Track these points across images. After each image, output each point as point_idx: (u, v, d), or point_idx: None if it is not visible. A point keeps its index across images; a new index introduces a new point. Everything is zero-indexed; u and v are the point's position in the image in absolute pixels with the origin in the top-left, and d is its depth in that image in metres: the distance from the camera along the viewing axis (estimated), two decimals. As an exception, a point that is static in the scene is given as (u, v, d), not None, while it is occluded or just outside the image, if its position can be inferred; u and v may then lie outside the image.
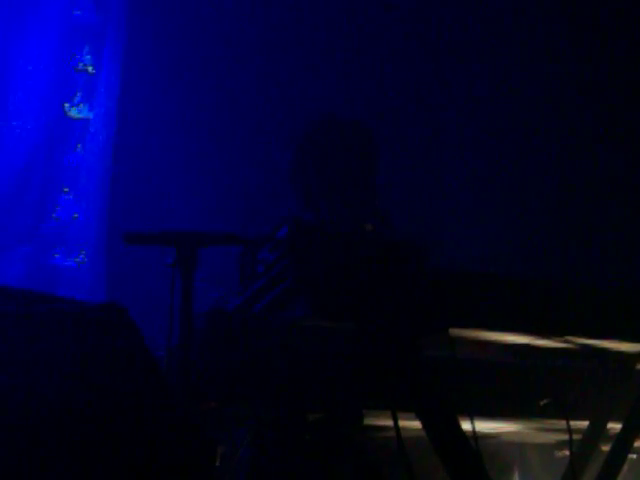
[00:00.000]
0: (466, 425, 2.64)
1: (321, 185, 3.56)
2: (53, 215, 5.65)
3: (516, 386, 2.83)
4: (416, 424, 2.61)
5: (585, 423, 2.97)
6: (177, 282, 2.74)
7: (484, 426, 2.78)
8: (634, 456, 3.00)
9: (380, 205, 3.63)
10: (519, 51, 5.38)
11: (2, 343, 2.20)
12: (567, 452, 2.94)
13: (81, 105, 5.78)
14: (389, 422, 2.57)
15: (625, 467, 2.95)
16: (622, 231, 4.91)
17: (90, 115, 5.78)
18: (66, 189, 5.71)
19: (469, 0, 5.50)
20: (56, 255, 5.63)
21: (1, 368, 2.16)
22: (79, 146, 5.74)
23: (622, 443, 2.90)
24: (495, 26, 5.40)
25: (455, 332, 2.62)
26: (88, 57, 5.82)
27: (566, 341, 2.81)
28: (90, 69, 5.80)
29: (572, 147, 5.16)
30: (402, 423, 2.56)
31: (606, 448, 2.96)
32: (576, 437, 2.89)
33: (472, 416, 2.65)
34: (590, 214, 5.05)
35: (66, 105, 5.76)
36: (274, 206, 4.67)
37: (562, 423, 2.84)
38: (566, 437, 2.85)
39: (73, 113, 5.78)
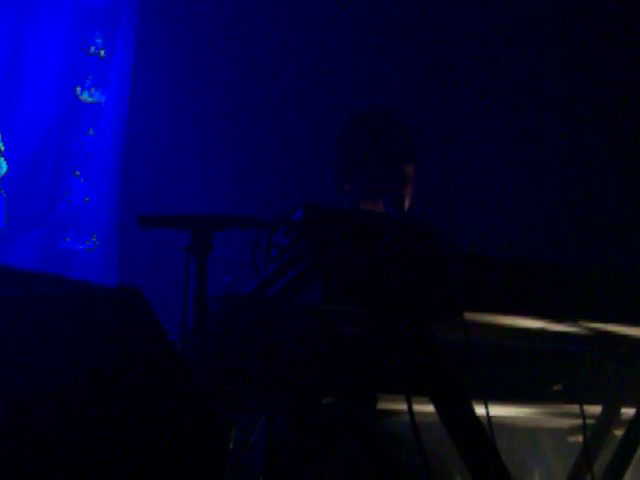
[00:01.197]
0: (480, 410, 2.64)
1: (360, 163, 3.73)
2: (65, 199, 5.67)
3: (529, 371, 2.82)
4: (430, 408, 2.60)
5: (598, 408, 2.98)
6: (191, 266, 2.74)
7: (498, 411, 2.76)
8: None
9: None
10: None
11: (18, 327, 2.21)
12: (580, 437, 2.95)
13: (93, 89, 5.78)
14: (403, 406, 2.56)
15: (639, 452, 2.94)
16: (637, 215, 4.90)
17: (102, 99, 5.78)
18: (77, 173, 5.72)
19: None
20: (68, 239, 5.65)
21: (16, 352, 2.16)
22: (91, 130, 5.75)
23: (636, 428, 2.90)
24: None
25: (469, 316, 2.61)
26: (100, 40, 5.82)
27: (580, 326, 2.79)
28: (102, 52, 5.80)
29: (588, 129, 5.13)
30: (416, 407, 2.54)
31: (619, 433, 2.96)
32: (589, 422, 2.89)
33: (486, 401, 2.65)
34: (606, 197, 5.02)
35: (78, 89, 5.76)
36: (289, 190, 4.68)
37: (575, 408, 2.85)
38: (579, 422, 2.86)
39: (85, 97, 5.78)
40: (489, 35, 5.45)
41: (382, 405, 2.74)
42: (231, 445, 2.71)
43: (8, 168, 5.56)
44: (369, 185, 3.72)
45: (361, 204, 3.73)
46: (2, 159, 5.56)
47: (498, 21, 5.41)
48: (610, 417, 2.99)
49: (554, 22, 5.27)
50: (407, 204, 3.73)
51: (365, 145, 3.76)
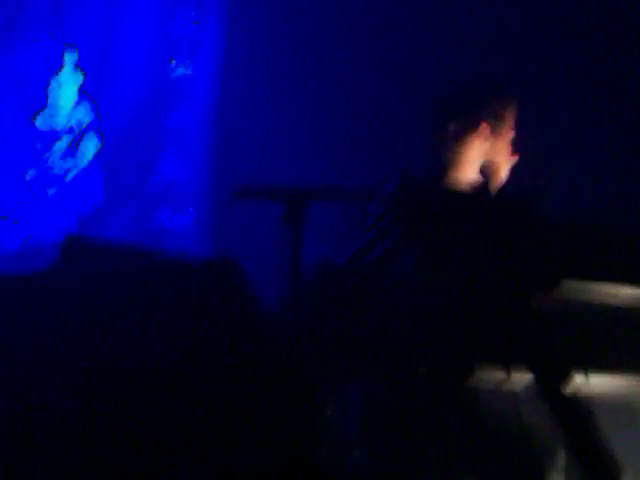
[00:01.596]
0: (580, 380, 2.63)
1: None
2: (159, 172, 5.75)
3: (631, 340, 2.77)
4: (529, 379, 2.60)
5: None
6: (287, 237, 2.77)
7: (598, 381, 2.74)
8: None
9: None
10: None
11: (118, 297, 2.26)
12: None
13: (185, 63, 5.84)
14: (502, 377, 2.56)
15: None
16: None
17: (193, 72, 5.85)
18: (171, 148, 5.80)
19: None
20: (162, 212, 5.73)
21: (121, 321, 2.21)
22: (184, 104, 5.82)
23: None
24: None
25: (568, 284, 2.60)
26: (193, 15, 5.87)
27: None
28: (195, 26, 5.86)
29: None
30: (514, 378, 2.56)
31: None
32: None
33: (585, 370, 2.64)
34: None
35: (173, 61, 5.83)
36: (381, 160, 4.67)
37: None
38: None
39: (179, 71, 5.85)
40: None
41: (479, 376, 2.75)
42: (329, 413, 2.74)
43: (104, 143, 5.64)
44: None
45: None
46: (98, 134, 5.66)
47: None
48: None
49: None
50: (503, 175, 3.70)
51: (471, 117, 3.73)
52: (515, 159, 3.68)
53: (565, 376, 2.58)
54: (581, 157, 5.08)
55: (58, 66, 5.60)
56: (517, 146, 3.72)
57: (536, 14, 5.30)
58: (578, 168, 5.05)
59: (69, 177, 5.61)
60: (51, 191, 5.59)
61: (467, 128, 3.65)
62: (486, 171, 3.54)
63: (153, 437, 2.11)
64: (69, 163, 5.63)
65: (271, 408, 2.25)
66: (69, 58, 5.61)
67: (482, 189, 3.50)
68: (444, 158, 3.60)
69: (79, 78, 5.64)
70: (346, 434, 3.02)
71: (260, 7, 5.60)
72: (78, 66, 5.64)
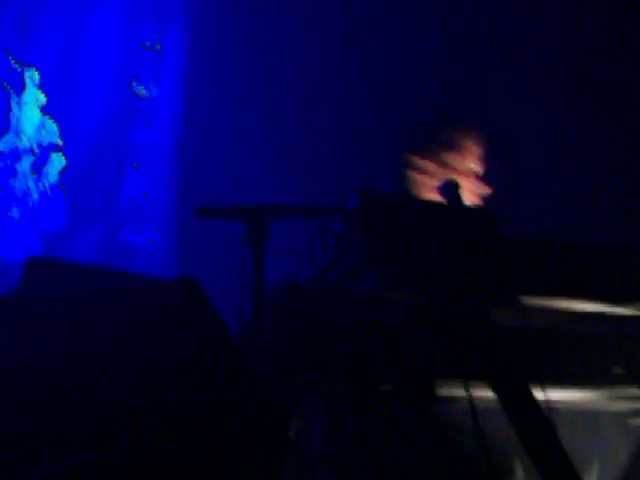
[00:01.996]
0: (538, 394, 2.65)
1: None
2: (124, 192, 5.75)
3: (588, 354, 2.81)
4: (488, 394, 2.62)
5: None
6: (248, 256, 2.77)
7: (557, 395, 2.77)
8: None
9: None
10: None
11: (81, 319, 2.25)
12: None
13: (149, 83, 5.85)
14: (461, 392, 2.58)
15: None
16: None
17: (157, 92, 5.85)
18: (135, 165, 5.80)
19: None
20: (128, 232, 5.72)
21: (82, 342, 2.21)
22: (147, 123, 5.82)
23: None
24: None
25: (526, 300, 2.63)
26: (154, 35, 5.88)
27: (639, 308, 2.79)
28: (157, 47, 5.87)
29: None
30: (474, 393, 2.57)
31: None
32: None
33: (544, 385, 2.66)
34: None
35: (134, 83, 5.83)
36: (341, 178, 4.69)
37: (636, 391, 2.85)
38: (640, 405, 2.87)
39: (141, 91, 5.85)
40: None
41: (439, 391, 2.76)
42: (291, 432, 2.74)
43: (67, 163, 5.63)
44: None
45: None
46: (61, 154, 5.64)
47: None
48: None
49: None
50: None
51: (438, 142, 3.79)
52: (486, 190, 3.74)
53: (524, 390, 2.61)
54: (546, 175, 5.15)
55: (19, 86, 5.60)
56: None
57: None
58: (542, 187, 5.11)
59: (33, 198, 5.59)
60: (14, 213, 5.57)
61: (423, 158, 3.74)
62: (448, 193, 3.58)
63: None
64: (32, 184, 5.62)
65: (235, 425, 2.26)
66: (30, 78, 5.60)
67: (444, 207, 3.54)
68: (406, 185, 3.68)
69: (41, 98, 5.64)
70: (310, 451, 3.03)
71: (221, 26, 5.62)
72: (39, 87, 5.63)
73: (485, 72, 5.39)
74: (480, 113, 4.97)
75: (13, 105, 5.57)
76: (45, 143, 5.61)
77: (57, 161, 5.61)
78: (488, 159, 3.83)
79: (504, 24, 5.44)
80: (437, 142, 3.78)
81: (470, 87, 5.33)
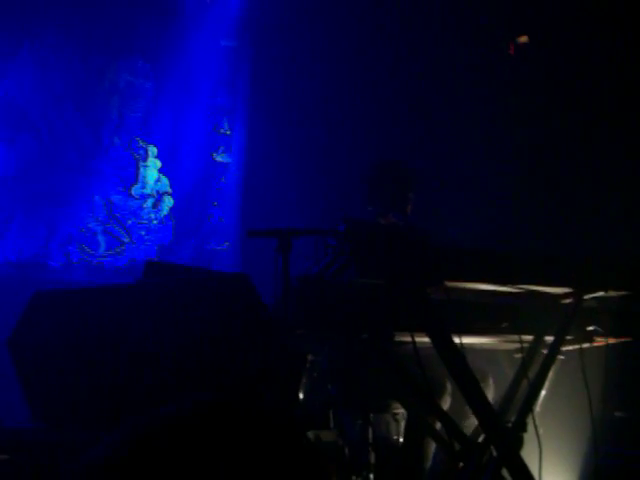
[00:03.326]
0: (456, 339, 2.66)
1: (381, 194, 3.71)
2: (209, 219, 5.76)
3: (488, 315, 2.80)
4: (426, 339, 2.64)
5: (531, 337, 2.94)
6: (279, 259, 2.81)
7: (467, 340, 2.79)
8: (561, 357, 2.97)
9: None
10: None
11: (179, 298, 2.20)
12: (521, 354, 2.92)
13: (223, 154, 5.87)
14: (409, 338, 2.60)
15: (557, 361, 2.93)
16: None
17: (229, 160, 5.88)
18: (215, 203, 5.83)
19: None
20: (210, 244, 5.74)
21: (182, 315, 2.14)
22: (223, 179, 5.84)
23: (553, 348, 2.86)
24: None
25: (448, 284, 2.64)
26: (226, 124, 5.91)
27: (518, 287, 2.79)
28: (227, 132, 5.90)
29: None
30: (417, 339, 2.60)
31: (544, 351, 2.93)
32: (525, 345, 2.87)
33: (460, 334, 2.68)
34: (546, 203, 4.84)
35: (214, 154, 5.87)
36: (338, 210, 4.65)
37: (516, 337, 2.84)
38: (519, 345, 2.85)
39: (218, 158, 5.88)
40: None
41: (399, 338, 2.76)
42: (308, 365, 2.75)
43: (174, 202, 5.66)
44: (385, 206, 3.75)
45: (378, 217, 3.76)
46: (170, 197, 5.67)
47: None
48: (539, 342, 2.94)
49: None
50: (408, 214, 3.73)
51: (385, 183, 3.77)
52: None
53: (447, 337, 2.62)
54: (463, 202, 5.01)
55: (144, 157, 5.64)
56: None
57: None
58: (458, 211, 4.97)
59: (153, 224, 5.62)
60: (142, 233, 5.61)
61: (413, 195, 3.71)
62: (402, 216, 3.60)
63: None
64: (152, 215, 5.66)
65: (275, 366, 2.23)
66: (151, 151, 5.63)
67: (398, 227, 3.55)
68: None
69: (158, 163, 5.67)
70: (322, 376, 3.05)
71: (272, 120, 5.60)
72: (157, 156, 5.67)
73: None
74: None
75: (140, 167, 5.63)
76: (161, 191, 5.65)
77: (168, 201, 5.65)
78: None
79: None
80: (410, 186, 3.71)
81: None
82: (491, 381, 3.33)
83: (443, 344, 2.63)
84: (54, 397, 2.02)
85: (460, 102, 5.24)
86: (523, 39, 5.32)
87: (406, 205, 3.73)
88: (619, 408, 3.98)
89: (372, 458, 3.07)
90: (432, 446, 3.15)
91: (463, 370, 2.63)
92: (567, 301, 2.87)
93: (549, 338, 2.91)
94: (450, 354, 2.64)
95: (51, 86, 5.51)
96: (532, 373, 2.87)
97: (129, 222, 5.53)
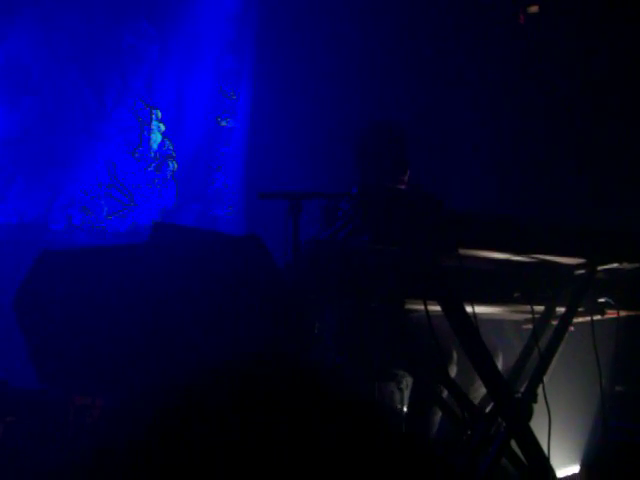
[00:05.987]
0: (469, 309, 2.62)
1: (375, 161, 3.49)
2: (213, 184, 5.71)
3: (500, 284, 2.75)
4: (437, 307, 2.59)
5: (542, 307, 2.90)
6: (289, 222, 2.75)
7: (479, 309, 2.72)
8: (572, 328, 2.93)
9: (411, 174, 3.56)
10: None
11: (183, 262, 2.16)
12: (531, 325, 2.87)
13: (228, 118, 5.80)
14: (421, 306, 2.55)
15: (566, 334, 2.89)
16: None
17: (234, 124, 5.81)
18: (220, 167, 5.76)
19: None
20: (214, 209, 5.69)
21: (180, 280, 2.11)
22: (227, 144, 5.77)
23: (564, 320, 2.82)
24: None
25: (462, 251, 2.57)
26: (231, 89, 5.83)
27: (531, 257, 2.73)
28: (233, 96, 5.82)
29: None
30: (429, 306, 2.54)
31: (555, 322, 2.90)
32: (537, 316, 2.83)
33: (472, 303, 2.63)
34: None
35: (218, 118, 5.79)
36: (344, 176, 4.60)
37: (528, 307, 2.79)
38: (530, 316, 2.80)
39: (223, 123, 5.80)
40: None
41: (408, 306, 2.73)
42: (316, 330, 2.72)
43: (177, 166, 5.60)
44: (381, 171, 3.48)
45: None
46: (174, 161, 5.61)
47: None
48: (549, 313, 2.91)
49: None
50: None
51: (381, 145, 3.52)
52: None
53: (459, 305, 2.59)
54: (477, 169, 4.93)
55: (148, 120, 5.57)
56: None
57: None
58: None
59: (157, 187, 5.57)
60: (145, 197, 5.56)
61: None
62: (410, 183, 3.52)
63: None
64: (156, 179, 5.60)
65: (284, 322, 2.21)
66: (155, 114, 5.56)
67: (410, 192, 3.47)
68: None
69: (162, 127, 5.60)
70: (326, 342, 3.01)
71: (276, 83, 5.53)
72: (161, 120, 5.59)
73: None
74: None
75: (144, 130, 5.56)
76: (164, 154, 5.59)
77: (171, 165, 5.58)
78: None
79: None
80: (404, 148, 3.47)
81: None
82: (500, 355, 3.28)
83: (455, 312, 2.58)
84: (60, 358, 1.97)
85: (467, 68, 5.14)
86: (533, 9, 5.21)
87: (405, 171, 3.52)
88: (620, 382, 3.95)
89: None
90: (438, 415, 3.10)
91: (474, 339, 2.58)
92: (580, 272, 2.83)
93: (560, 309, 2.86)
94: (461, 322, 2.59)
95: (55, 48, 5.41)
96: (542, 344, 2.82)
97: (132, 186, 5.47)
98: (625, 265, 2.81)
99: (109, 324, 1.94)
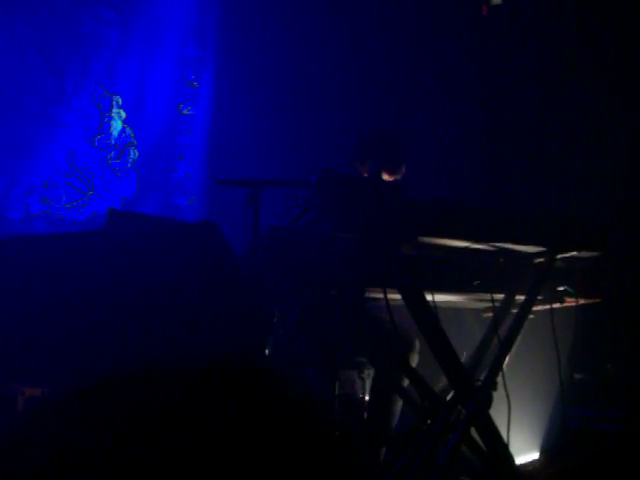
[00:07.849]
0: (429, 297, 2.62)
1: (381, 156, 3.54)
2: (174, 173, 5.64)
3: (459, 273, 2.73)
4: (397, 296, 2.58)
5: (502, 296, 2.90)
6: (249, 211, 2.71)
7: (438, 297, 2.73)
8: (531, 316, 2.94)
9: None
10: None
11: (144, 247, 2.14)
12: (491, 314, 2.89)
13: (190, 107, 5.73)
14: (381, 295, 2.54)
15: (526, 322, 2.89)
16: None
17: (195, 112, 5.74)
18: (181, 157, 5.69)
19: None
20: (176, 198, 5.63)
21: (132, 267, 2.08)
22: (190, 132, 5.70)
23: (524, 308, 2.83)
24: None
25: (421, 239, 2.56)
26: (193, 77, 5.75)
27: (491, 245, 2.73)
28: (194, 84, 5.74)
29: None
30: (389, 295, 2.52)
31: (515, 311, 2.90)
32: (496, 305, 2.84)
33: (432, 291, 2.63)
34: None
35: (180, 106, 5.71)
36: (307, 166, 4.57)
37: (487, 296, 2.79)
38: (490, 304, 2.80)
39: (185, 112, 5.73)
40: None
41: (370, 294, 2.72)
42: (275, 320, 2.69)
43: (139, 154, 5.52)
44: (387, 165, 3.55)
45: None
46: (135, 149, 5.52)
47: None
48: (509, 301, 2.92)
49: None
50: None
51: (376, 145, 3.64)
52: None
53: (419, 293, 2.57)
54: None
55: (108, 107, 5.46)
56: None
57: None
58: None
59: (117, 176, 5.48)
60: (105, 186, 5.46)
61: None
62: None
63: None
64: (116, 167, 5.50)
65: (240, 315, 2.19)
66: (116, 101, 5.46)
67: (370, 180, 3.45)
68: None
69: (122, 114, 5.50)
70: (289, 332, 2.98)
71: (238, 73, 5.48)
72: (121, 107, 5.49)
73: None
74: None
75: (104, 118, 5.45)
76: (125, 142, 5.49)
77: (132, 153, 5.49)
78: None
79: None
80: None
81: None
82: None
83: (414, 301, 2.57)
84: (7, 348, 1.90)
85: (433, 59, 5.15)
86: (496, 1, 5.23)
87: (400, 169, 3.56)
88: (578, 370, 3.99)
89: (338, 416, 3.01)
90: (399, 404, 3.10)
91: (433, 327, 2.58)
92: (539, 260, 2.83)
93: (520, 297, 2.87)
94: (421, 311, 2.59)
95: (12, 30, 5.26)
96: (502, 332, 2.83)
97: (92, 174, 5.36)
98: (584, 253, 2.82)
99: (55, 313, 1.89)
